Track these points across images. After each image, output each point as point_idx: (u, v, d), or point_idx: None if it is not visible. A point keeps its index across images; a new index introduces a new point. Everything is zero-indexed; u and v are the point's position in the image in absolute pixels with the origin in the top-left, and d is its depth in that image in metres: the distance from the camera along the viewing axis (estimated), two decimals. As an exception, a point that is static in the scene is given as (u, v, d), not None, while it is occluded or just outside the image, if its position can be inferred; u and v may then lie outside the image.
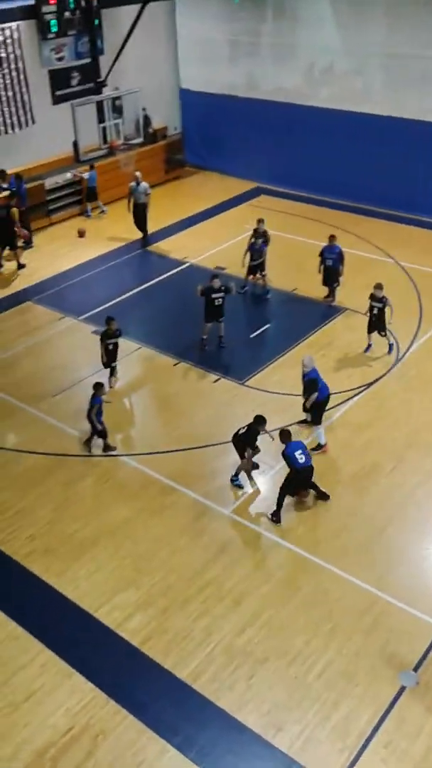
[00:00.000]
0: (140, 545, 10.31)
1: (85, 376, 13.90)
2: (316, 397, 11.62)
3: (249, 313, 16.57)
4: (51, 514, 10.91)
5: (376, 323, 14.03)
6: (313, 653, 8.74)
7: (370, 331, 14.20)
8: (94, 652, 8.90)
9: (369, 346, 14.33)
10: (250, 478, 11.47)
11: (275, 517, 10.59)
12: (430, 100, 19.83)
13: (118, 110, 21.54)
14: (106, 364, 13.56)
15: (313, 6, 21.07)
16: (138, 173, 19.20)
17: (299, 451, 10.43)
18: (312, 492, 10.92)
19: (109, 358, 13.48)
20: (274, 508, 10.63)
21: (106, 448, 12.06)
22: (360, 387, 13.47)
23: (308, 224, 17.08)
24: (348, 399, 13.06)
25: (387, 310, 13.92)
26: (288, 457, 10.44)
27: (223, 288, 14.22)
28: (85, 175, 21.16)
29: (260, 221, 16.71)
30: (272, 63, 22.87)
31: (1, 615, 9.23)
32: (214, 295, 14.23)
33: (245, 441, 11.02)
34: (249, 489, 11.32)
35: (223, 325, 14.59)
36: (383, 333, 14.17)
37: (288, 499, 10.83)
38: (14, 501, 11.17)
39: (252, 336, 15.33)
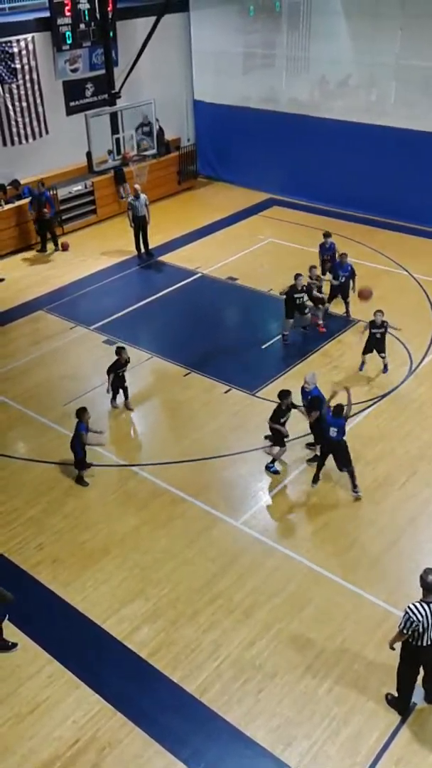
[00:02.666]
0: (149, 556, 10.24)
1: (96, 385, 13.89)
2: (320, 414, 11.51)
3: (260, 324, 16.52)
4: (60, 524, 10.86)
5: (376, 345, 13.87)
6: (323, 667, 8.62)
7: (365, 352, 14.05)
8: (101, 663, 8.82)
9: (363, 363, 14.20)
10: (281, 460, 11.86)
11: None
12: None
13: (144, 126, 21.68)
14: (116, 390, 13.24)
15: (327, 19, 21.13)
16: (137, 186, 19.16)
17: (335, 428, 10.86)
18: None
19: (120, 383, 13.20)
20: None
21: (79, 479, 11.62)
22: (372, 399, 13.36)
23: (321, 236, 17.12)
24: (360, 411, 12.95)
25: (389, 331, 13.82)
26: (325, 422, 10.95)
27: (305, 288, 15.02)
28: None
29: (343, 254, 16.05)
30: (286, 75, 22.94)
31: (9, 625, 9.16)
32: (296, 295, 14.94)
33: (273, 420, 11.44)
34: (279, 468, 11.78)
35: (308, 315, 15.40)
36: (383, 354, 14.04)
37: (296, 516, 10.77)
38: (24, 510, 11.13)
39: (264, 347, 15.27)
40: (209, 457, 12.11)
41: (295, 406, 11.52)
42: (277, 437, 11.65)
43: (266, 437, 12.20)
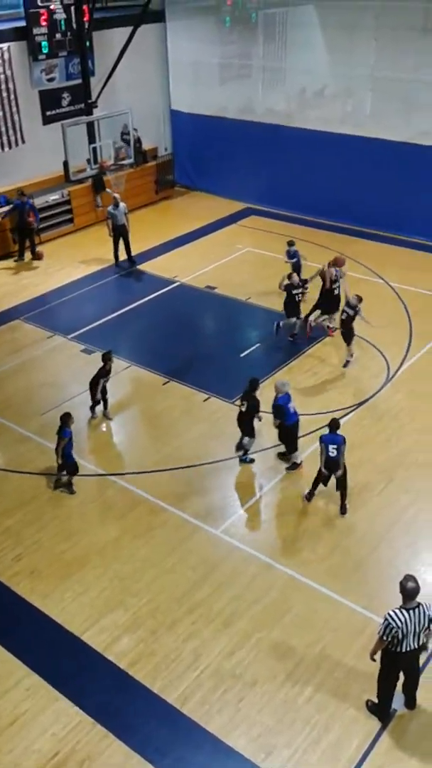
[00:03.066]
0: (128, 566, 10.17)
1: (75, 394, 13.83)
2: (284, 423, 11.56)
3: (239, 333, 16.56)
4: (38, 534, 10.76)
5: (342, 325, 14.09)
6: (303, 675, 8.61)
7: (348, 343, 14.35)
8: (80, 675, 8.73)
9: (348, 361, 14.46)
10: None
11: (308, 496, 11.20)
12: (417, 123, 20.07)
13: (125, 135, 21.77)
14: (98, 400, 13.10)
15: (303, 30, 21.36)
16: (116, 195, 19.15)
17: (333, 445, 10.61)
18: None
19: (104, 393, 13.11)
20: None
21: (69, 486, 11.55)
22: (351, 407, 13.44)
23: (298, 245, 17.24)
24: (339, 419, 12.99)
25: (357, 320, 14.04)
26: (322, 444, 10.70)
27: (300, 284, 15.38)
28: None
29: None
30: (262, 86, 23.13)
31: (-14, 637, 9.06)
32: (294, 291, 15.24)
33: (248, 411, 11.55)
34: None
35: (297, 323, 15.50)
36: (349, 343, 14.24)
37: (276, 524, 10.77)
38: (1, 520, 11.01)
39: (242, 355, 15.31)
40: (188, 466, 12.08)
41: (256, 411, 11.57)
42: (249, 428, 11.71)
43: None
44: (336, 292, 15.32)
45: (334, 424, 10.70)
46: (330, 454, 10.61)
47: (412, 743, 7.88)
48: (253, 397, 11.59)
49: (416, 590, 7.45)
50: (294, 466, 11.86)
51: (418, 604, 7.48)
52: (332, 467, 10.74)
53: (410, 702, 8.18)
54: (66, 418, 11.28)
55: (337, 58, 20.93)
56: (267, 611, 9.43)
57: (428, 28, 19.38)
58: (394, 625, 7.40)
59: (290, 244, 17.28)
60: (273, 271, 17.23)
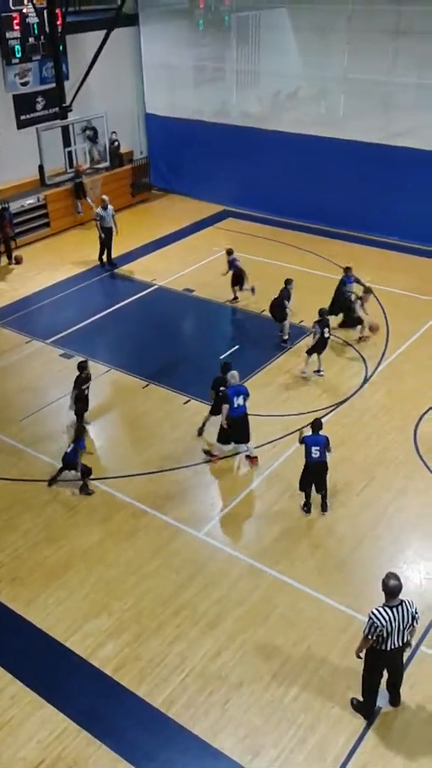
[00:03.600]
0: (111, 570, 10.14)
1: (53, 399, 13.76)
2: (228, 412, 11.64)
3: (219, 335, 16.59)
4: (19, 541, 10.68)
5: (316, 346, 14.17)
6: (288, 675, 8.63)
7: (319, 354, 14.39)
8: (65, 681, 8.68)
9: (319, 370, 14.54)
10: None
11: (305, 507, 11.06)
12: (390, 125, 20.26)
13: (92, 135, 21.70)
14: (80, 411, 12.79)
15: (276, 33, 21.48)
16: (105, 197, 19.14)
17: (317, 447, 10.57)
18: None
19: (85, 403, 12.86)
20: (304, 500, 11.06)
21: (84, 488, 11.58)
22: (330, 406, 13.51)
23: (274, 246, 17.28)
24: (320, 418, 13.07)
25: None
26: (305, 445, 10.66)
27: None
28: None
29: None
30: (237, 88, 23.22)
31: (-31, 646, 8.98)
32: (286, 301, 15.34)
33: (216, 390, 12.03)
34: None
35: (285, 324, 15.54)
36: (309, 354, 14.34)
37: (258, 524, 10.83)
38: (-19, 528, 10.93)
39: (222, 357, 15.32)
40: (170, 469, 12.07)
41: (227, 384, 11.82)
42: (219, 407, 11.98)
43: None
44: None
45: (316, 425, 10.73)
46: (313, 455, 10.63)
47: (397, 740, 7.93)
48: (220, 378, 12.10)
49: (399, 588, 7.51)
50: (209, 456, 12.06)
51: (402, 602, 7.54)
52: (317, 469, 10.76)
53: (395, 699, 8.24)
54: (81, 431, 11.56)
55: (310, 61, 21.07)
56: (252, 612, 9.45)
57: (400, 31, 19.59)
58: (379, 624, 7.45)
59: (229, 252, 17.18)
60: (250, 273, 17.27)
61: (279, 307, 15.43)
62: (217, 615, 9.40)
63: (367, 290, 15.48)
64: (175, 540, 10.63)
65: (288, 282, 15.51)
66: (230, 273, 17.11)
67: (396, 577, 7.55)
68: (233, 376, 11.80)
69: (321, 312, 14.13)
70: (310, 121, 21.64)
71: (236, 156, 22.90)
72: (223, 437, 11.98)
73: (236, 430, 11.86)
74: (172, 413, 13.51)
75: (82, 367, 12.74)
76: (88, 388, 12.82)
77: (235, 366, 14.72)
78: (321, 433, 10.71)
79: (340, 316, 15.87)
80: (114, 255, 19.74)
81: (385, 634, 7.52)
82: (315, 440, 10.64)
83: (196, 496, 11.51)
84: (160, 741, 7.97)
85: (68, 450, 11.49)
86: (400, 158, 19.98)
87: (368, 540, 10.56)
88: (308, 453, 10.65)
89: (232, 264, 17.05)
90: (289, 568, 10.08)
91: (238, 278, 16.96)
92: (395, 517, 10.98)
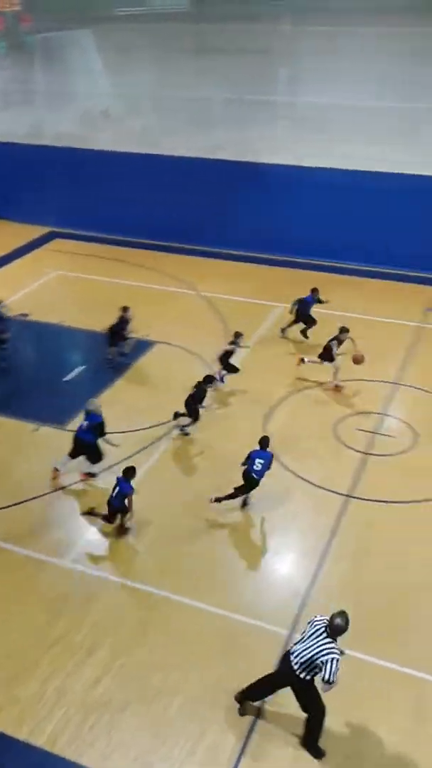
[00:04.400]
0: (-25, 615, 9.62)
1: None
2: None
3: (59, 357, 16.26)
4: None
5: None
6: (172, 688, 8.61)
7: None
8: None
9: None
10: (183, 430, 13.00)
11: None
12: (208, 139, 20.90)
13: None
14: None
15: (79, 55, 21.53)
16: None
17: (261, 460, 10.91)
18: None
19: None
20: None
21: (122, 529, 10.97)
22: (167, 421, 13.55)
23: (107, 264, 17.20)
24: (165, 434, 13.20)
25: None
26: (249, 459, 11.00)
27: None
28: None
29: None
30: (47, 110, 23.00)
31: None
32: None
33: (196, 398, 12.81)
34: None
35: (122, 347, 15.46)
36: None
37: (123, 543, 10.75)
38: None
39: (66, 379, 15.06)
40: (23, 501, 11.60)
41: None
42: (195, 413, 12.84)
43: (177, 414, 13.06)
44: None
45: (264, 442, 11.07)
46: (255, 467, 10.87)
47: (284, 732, 8.13)
48: (203, 390, 12.92)
49: (344, 629, 7.46)
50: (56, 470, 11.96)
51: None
52: (252, 482, 10.97)
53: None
54: (131, 472, 10.66)
55: (119, 81, 21.33)
56: (128, 632, 9.32)
57: (201, 49, 20.31)
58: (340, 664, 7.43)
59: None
60: (85, 292, 17.11)
61: (116, 334, 15.32)
62: (94, 642, 9.19)
63: (344, 329, 14.68)
64: (40, 573, 10.27)
65: (125, 309, 15.39)
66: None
67: (342, 616, 7.49)
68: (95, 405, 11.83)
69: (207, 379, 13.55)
70: (126, 138, 21.86)
71: (58, 177, 22.58)
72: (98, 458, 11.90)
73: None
74: (20, 444, 13.04)
75: None
76: None
77: (83, 385, 14.53)
78: (267, 450, 11.06)
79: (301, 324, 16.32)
80: None
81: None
82: (260, 454, 10.99)
83: (57, 525, 11.19)
84: (49, 781, 7.67)
85: None
86: (219, 171, 20.56)
87: (225, 543, 10.76)
88: (251, 465, 10.90)
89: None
90: (159, 581, 10.05)
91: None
92: (253, 514, 11.27)
